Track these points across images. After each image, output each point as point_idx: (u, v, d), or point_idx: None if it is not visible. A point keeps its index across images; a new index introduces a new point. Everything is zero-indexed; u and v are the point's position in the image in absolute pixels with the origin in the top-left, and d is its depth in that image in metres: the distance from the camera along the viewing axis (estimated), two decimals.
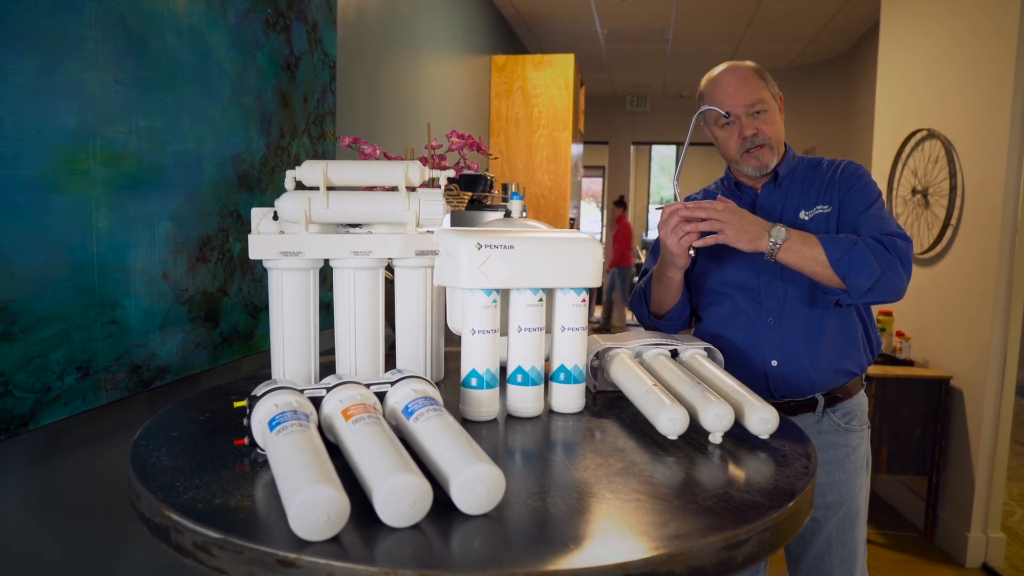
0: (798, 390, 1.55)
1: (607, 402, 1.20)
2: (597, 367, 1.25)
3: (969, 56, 2.94)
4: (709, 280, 1.63)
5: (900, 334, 3.29)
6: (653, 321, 1.66)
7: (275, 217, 1.11)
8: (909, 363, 3.17)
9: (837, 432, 1.56)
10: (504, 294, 1.09)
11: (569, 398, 1.12)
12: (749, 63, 1.56)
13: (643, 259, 9.69)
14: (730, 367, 1.55)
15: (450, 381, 1.29)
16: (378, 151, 1.49)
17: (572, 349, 1.11)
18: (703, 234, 1.38)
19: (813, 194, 1.55)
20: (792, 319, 1.53)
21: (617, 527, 0.73)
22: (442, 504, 0.72)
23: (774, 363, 1.54)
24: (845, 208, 1.51)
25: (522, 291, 1.06)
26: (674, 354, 1.25)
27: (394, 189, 1.14)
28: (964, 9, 3.00)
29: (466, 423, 1.05)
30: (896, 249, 1.40)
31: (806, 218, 1.54)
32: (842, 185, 1.53)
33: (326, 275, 1.15)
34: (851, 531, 1.57)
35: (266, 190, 1.63)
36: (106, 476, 1.25)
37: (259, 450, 0.87)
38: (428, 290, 1.17)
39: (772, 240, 1.35)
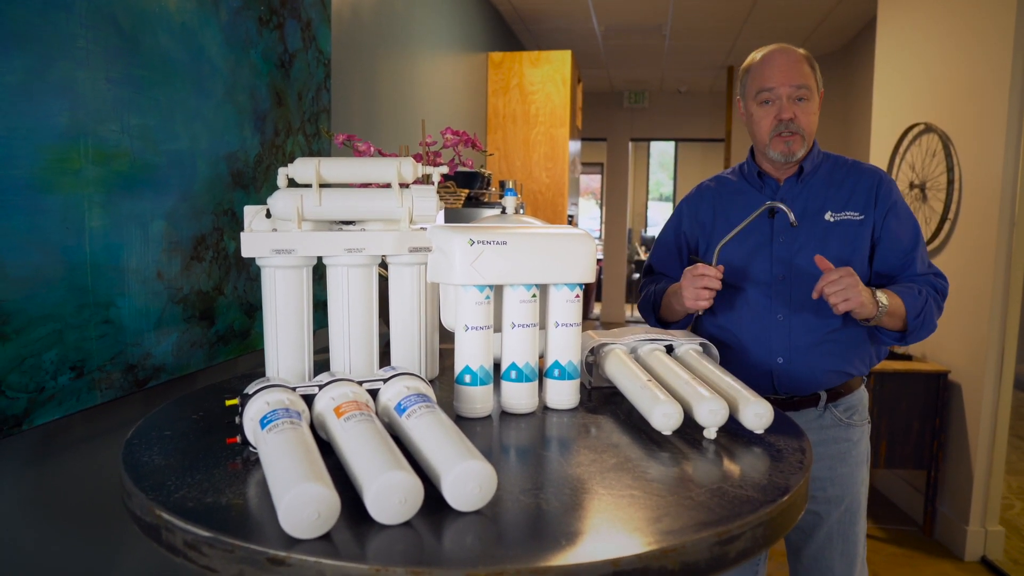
0: (802, 387, 1.55)
1: (602, 398, 1.20)
2: (592, 363, 1.24)
3: (966, 50, 2.93)
4: (724, 273, 1.61)
5: None
6: (659, 326, 1.66)
7: (268, 215, 1.11)
8: (907, 357, 3.17)
9: (839, 427, 1.57)
10: (497, 290, 1.09)
11: (564, 394, 1.11)
12: (801, 49, 1.55)
13: (642, 255, 9.68)
14: (736, 361, 1.56)
15: (445, 378, 1.29)
16: (372, 148, 1.48)
17: (566, 345, 1.11)
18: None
19: (843, 196, 1.54)
20: (802, 317, 1.52)
21: (610, 523, 0.73)
22: (434, 501, 0.72)
23: (780, 360, 1.54)
24: (889, 234, 1.52)
25: (515, 287, 1.06)
26: (669, 349, 1.25)
27: (387, 186, 1.13)
28: (961, 3, 2.99)
29: (460, 420, 1.05)
30: (945, 294, 1.51)
31: (832, 220, 1.53)
32: (882, 202, 1.53)
33: (322, 273, 1.14)
34: (852, 525, 1.57)
35: (261, 188, 1.62)
36: (101, 476, 1.25)
37: (251, 448, 0.87)
38: (422, 287, 1.17)
39: (881, 306, 1.41)
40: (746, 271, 1.57)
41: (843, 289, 1.36)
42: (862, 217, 1.52)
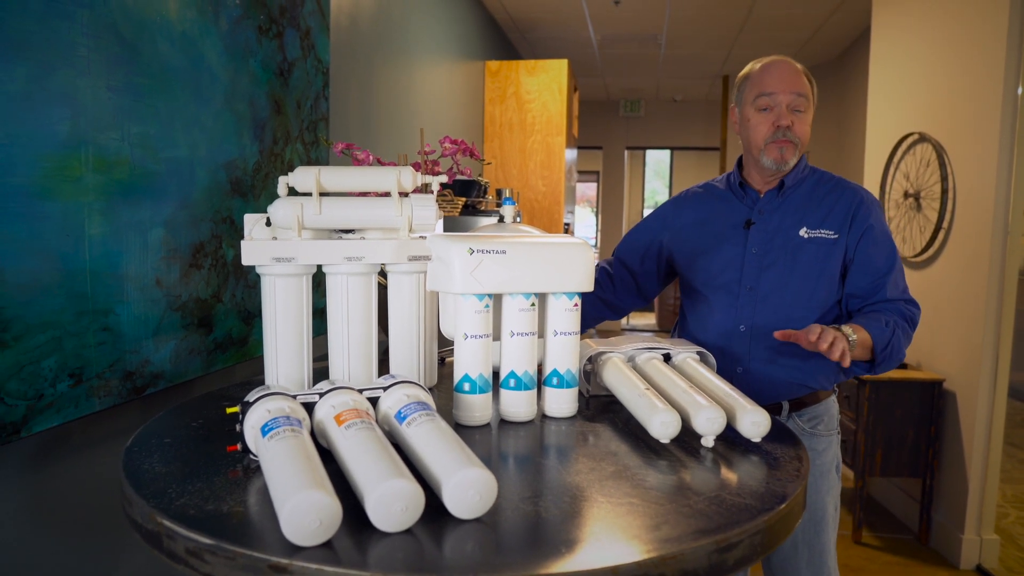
0: (761, 396, 1.55)
1: (600, 406, 1.21)
2: (590, 371, 1.25)
3: (960, 60, 2.96)
4: (695, 281, 1.64)
5: None
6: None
7: (268, 223, 1.11)
8: (902, 366, 3.19)
9: (802, 436, 1.57)
10: (496, 299, 1.10)
11: (562, 402, 1.12)
12: (799, 64, 1.57)
13: None
14: None
15: (444, 386, 1.29)
16: (371, 157, 1.49)
17: (565, 353, 1.11)
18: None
19: (820, 214, 1.54)
20: (762, 330, 1.53)
21: (609, 531, 0.73)
22: (434, 509, 0.73)
23: (739, 369, 1.56)
24: (862, 257, 1.51)
25: (514, 296, 1.06)
26: (667, 358, 1.26)
27: (387, 195, 1.14)
28: (954, 14, 3.02)
29: (459, 428, 1.06)
30: (914, 322, 1.50)
31: (806, 236, 1.52)
32: (858, 224, 1.52)
33: (320, 281, 1.15)
34: (816, 534, 1.57)
35: (259, 196, 1.63)
36: (99, 483, 1.25)
37: (252, 456, 0.87)
38: (421, 295, 1.18)
39: (851, 341, 1.37)
40: (717, 280, 1.59)
41: (835, 339, 1.30)
42: (836, 236, 1.52)
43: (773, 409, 1.57)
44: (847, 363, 1.32)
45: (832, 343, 1.31)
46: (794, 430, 1.56)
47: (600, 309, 1.72)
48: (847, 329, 1.39)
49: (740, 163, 1.65)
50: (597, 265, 1.76)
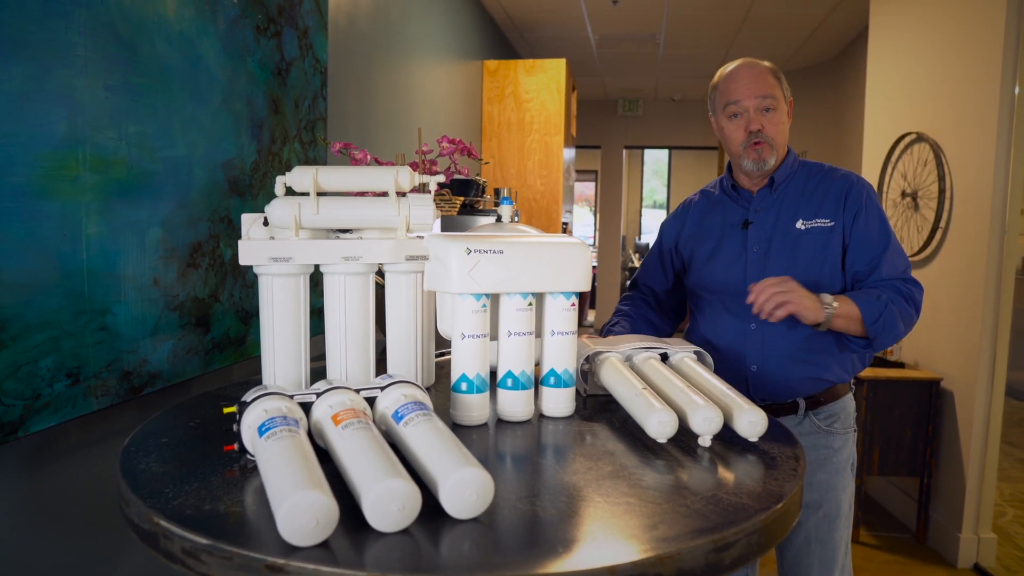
0: (778, 394, 1.56)
1: (597, 406, 1.21)
2: (587, 371, 1.25)
3: (957, 60, 2.96)
4: (703, 286, 1.66)
5: None
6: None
7: (265, 223, 1.11)
8: (900, 365, 3.19)
9: (818, 434, 1.57)
10: (494, 299, 1.10)
11: (559, 402, 1.12)
12: (766, 62, 1.57)
13: (636, 262, 9.70)
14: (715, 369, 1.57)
15: (441, 386, 1.29)
16: (369, 156, 1.49)
17: (562, 353, 1.11)
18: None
19: (814, 204, 1.55)
20: (774, 326, 1.53)
21: (606, 530, 0.73)
22: (431, 509, 0.73)
23: (754, 367, 1.56)
24: (857, 237, 1.51)
25: (512, 295, 1.06)
26: (664, 358, 1.26)
27: (384, 194, 1.14)
28: (952, 14, 3.02)
29: (457, 428, 1.06)
30: (914, 300, 1.48)
31: (802, 227, 1.53)
32: (851, 206, 1.53)
33: (318, 280, 1.15)
34: (830, 531, 1.57)
35: (257, 196, 1.63)
36: (97, 483, 1.25)
37: (249, 456, 0.87)
38: (419, 295, 1.18)
39: (827, 310, 1.39)
40: (722, 281, 1.60)
41: (779, 292, 1.36)
42: (832, 224, 1.53)
43: (789, 408, 1.57)
44: (775, 319, 1.37)
45: (767, 300, 1.36)
46: (811, 429, 1.58)
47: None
48: (827, 298, 1.40)
49: (730, 167, 1.67)
50: (624, 306, 1.79)
